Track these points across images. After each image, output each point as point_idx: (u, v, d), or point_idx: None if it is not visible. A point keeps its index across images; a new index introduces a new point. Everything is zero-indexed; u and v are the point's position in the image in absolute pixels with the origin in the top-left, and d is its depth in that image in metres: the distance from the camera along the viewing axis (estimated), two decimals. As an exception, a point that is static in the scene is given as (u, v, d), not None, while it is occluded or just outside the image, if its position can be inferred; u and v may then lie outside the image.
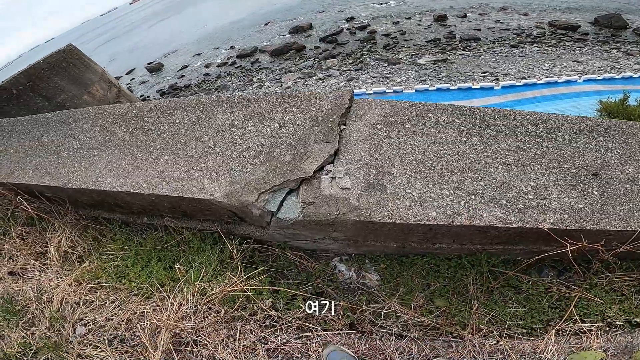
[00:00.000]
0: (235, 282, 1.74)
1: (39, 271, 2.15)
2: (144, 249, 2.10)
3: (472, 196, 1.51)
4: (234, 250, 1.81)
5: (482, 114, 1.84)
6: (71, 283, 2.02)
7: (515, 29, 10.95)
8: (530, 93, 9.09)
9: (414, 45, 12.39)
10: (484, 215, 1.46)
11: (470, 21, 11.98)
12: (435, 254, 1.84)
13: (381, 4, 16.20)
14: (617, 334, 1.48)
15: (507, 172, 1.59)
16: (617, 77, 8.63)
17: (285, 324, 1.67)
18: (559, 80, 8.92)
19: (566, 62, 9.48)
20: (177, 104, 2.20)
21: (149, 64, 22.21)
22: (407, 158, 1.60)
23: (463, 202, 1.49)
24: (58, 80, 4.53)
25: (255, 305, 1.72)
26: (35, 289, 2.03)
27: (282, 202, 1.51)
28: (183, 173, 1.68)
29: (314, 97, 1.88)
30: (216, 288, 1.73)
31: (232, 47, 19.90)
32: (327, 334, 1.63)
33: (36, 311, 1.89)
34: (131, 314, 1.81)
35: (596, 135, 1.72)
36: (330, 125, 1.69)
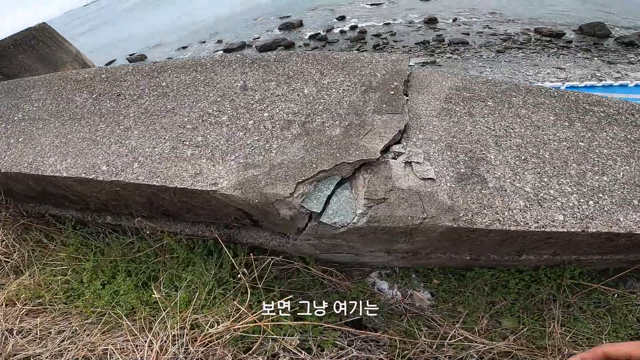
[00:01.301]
0: (245, 313, 1.15)
1: (-42, 284, 1.47)
2: (107, 259, 1.46)
3: (600, 194, 1.01)
4: (242, 268, 1.21)
5: (573, 98, 1.43)
6: (1, 303, 1.39)
7: (503, 35, 10.74)
8: (515, 98, 8.90)
9: (404, 46, 11.99)
10: (621, 219, 0.97)
11: (459, 25, 11.71)
12: (505, 266, 1.36)
13: (372, 4, 15.62)
14: None
15: (627, 165, 1.15)
16: (597, 84, 8.62)
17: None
18: (543, 86, 8.77)
19: (550, 68, 9.40)
20: (165, 66, 1.56)
21: (130, 55, 20.52)
22: (502, 142, 1.08)
23: (592, 201, 0.99)
24: (24, 59, 3.86)
25: (276, 345, 1.14)
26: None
27: (328, 198, 0.93)
28: (168, 150, 1.06)
29: (359, 60, 1.32)
30: (217, 322, 1.14)
31: (220, 41, 18.74)
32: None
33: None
34: (88, 350, 1.21)
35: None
36: (392, 93, 1.13)
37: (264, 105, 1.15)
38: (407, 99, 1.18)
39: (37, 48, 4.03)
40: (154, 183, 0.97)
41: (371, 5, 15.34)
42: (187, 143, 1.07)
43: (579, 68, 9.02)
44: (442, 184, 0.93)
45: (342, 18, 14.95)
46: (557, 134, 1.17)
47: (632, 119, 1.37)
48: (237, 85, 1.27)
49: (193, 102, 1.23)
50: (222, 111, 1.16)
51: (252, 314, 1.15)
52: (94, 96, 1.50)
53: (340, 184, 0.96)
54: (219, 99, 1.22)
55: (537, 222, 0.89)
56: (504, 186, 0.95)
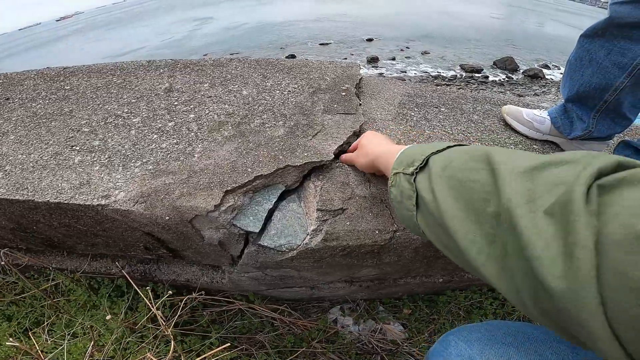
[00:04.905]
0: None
1: None
2: (-26, 306, 0.98)
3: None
4: (162, 311, 0.85)
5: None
6: None
7: (435, 72, 11.83)
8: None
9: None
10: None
11: (398, 63, 12.72)
12: (477, 286, 1.20)
13: (322, 44, 16.59)
14: None
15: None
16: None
17: None
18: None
19: (472, 102, 10.44)
20: (77, 70, 1.24)
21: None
22: (462, 143, 0.94)
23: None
24: None
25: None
26: None
27: (270, 213, 0.67)
28: (48, 157, 0.73)
29: (306, 66, 1.16)
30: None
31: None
32: None
33: None
34: None
35: None
36: (344, 94, 0.96)
37: (191, 106, 0.89)
38: (360, 103, 1.01)
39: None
40: (18, 197, 0.62)
41: (321, 45, 16.41)
42: (78, 148, 0.75)
43: (497, 103, 10.19)
44: (408, 189, 0.73)
45: (291, 57, 15.35)
46: (511, 138, 1.08)
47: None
48: (160, 88, 1.00)
49: (99, 105, 0.92)
50: (134, 113, 0.87)
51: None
52: (-28, 102, 1.11)
53: (285, 197, 0.71)
54: (133, 101, 0.93)
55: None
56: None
